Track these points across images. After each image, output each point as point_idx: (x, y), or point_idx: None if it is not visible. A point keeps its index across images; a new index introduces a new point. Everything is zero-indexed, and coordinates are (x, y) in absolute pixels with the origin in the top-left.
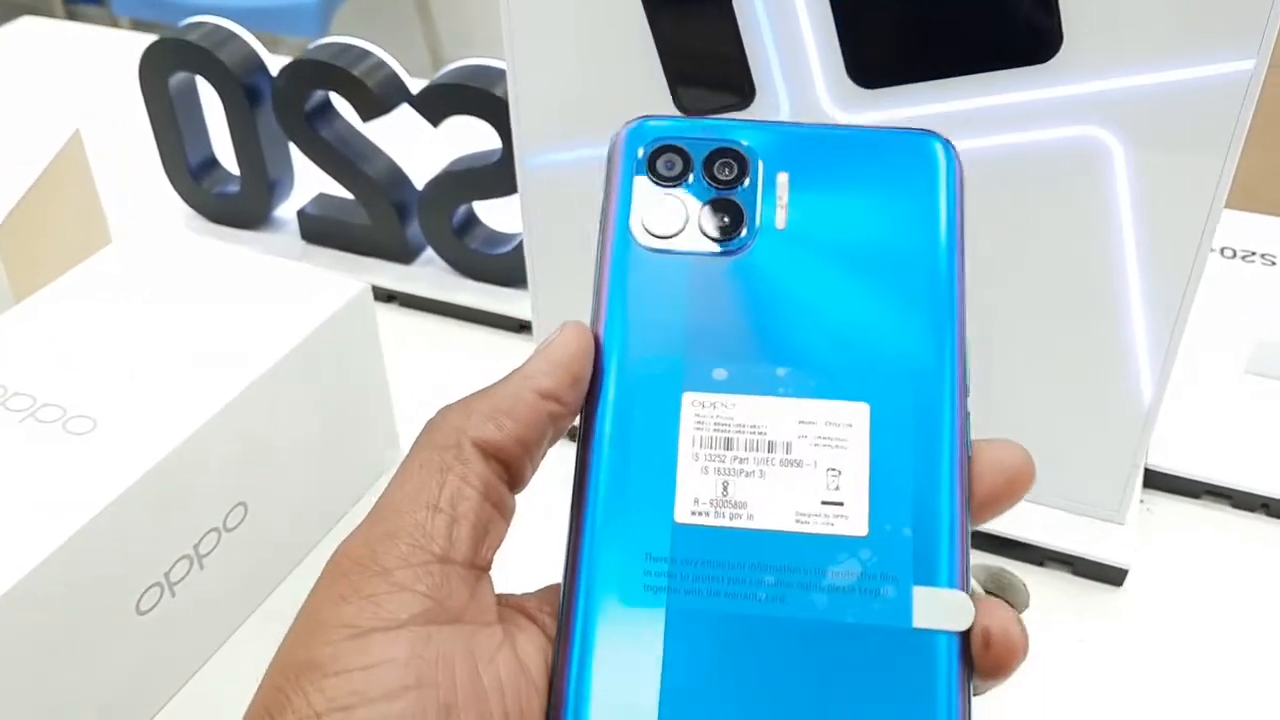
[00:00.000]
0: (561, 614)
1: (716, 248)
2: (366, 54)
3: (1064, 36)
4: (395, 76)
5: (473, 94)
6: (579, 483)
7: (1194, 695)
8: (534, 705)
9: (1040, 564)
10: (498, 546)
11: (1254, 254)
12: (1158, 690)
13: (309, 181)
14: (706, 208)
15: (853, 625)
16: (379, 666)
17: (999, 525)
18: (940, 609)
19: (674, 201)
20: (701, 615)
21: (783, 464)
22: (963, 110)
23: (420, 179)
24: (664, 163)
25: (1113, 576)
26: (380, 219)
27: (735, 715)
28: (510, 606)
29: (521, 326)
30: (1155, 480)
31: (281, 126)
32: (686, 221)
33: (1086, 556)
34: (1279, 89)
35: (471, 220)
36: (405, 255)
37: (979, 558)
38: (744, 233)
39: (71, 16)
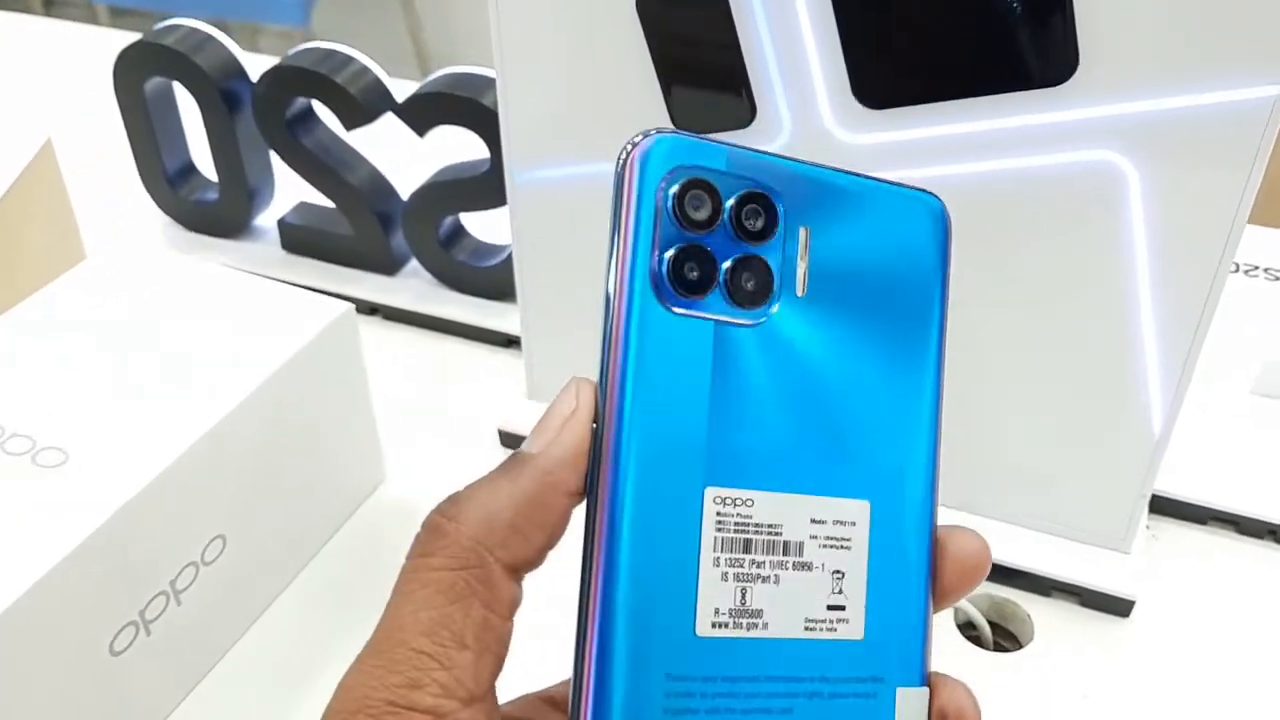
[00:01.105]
0: None
1: (742, 315)
2: (349, 60)
3: (1080, 58)
4: (379, 84)
5: (460, 103)
6: (591, 585)
7: None
8: None
9: (1046, 594)
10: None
11: (1258, 269)
12: None
13: (290, 189)
14: (735, 265)
15: None
16: None
17: (1004, 555)
18: (913, 706)
19: (703, 254)
20: None
21: (795, 567)
22: (974, 133)
23: (406, 188)
24: (691, 201)
25: (1119, 608)
26: (364, 229)
27: None
28: None
29: (510, 341)
30: (1160, 505)
31: (262, 134)
32: (714, 281)
33: (1092, 587)
34: None
35: (459, 231)
36: (389, 267)
37: (984, 588)
38: (769, 299)
39: (49, 3)
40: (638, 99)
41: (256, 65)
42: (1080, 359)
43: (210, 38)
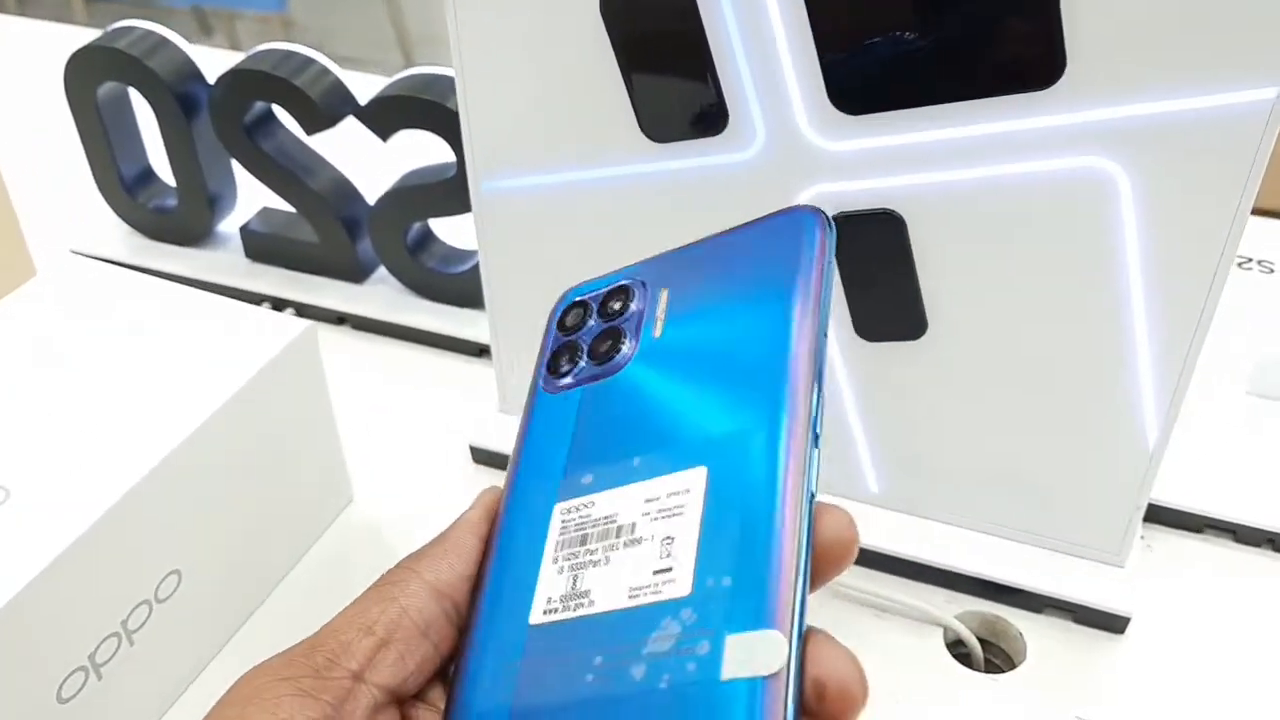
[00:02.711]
0: None
1: (603, 370)
2: (310, 62)
3: (1067, 61)
4: (340, 86)
5: (423, 106)
6: (473, 607)
7: None
8: None
9: (1039, 611)
10: (425, 681)
11: (1250, 260)
12: None
13: (255, 195)
14: (595, 340)
15: (670, 690)
16: None
17: (995, 571)
18: (751, 654)
19: (573, 346)
20: (537, 712)
21: (626, 545)
22: (957, 139)
23: (374, 192)
24: (571, 317)
25: (1114, 625)
26: (328, 236)
27: None
28: None
29: (483, 351)
30: (1155, 514)
31: (220, 139)
32: (579, 357)
33: (1085, 604)
34: None
35: (427, 237)
36: (356, 274)
37: (976, 604)
38: (624, 350)
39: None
40: (603, 105)
41: (215, 67)
42: (1072, 369)
43: (165, 40)
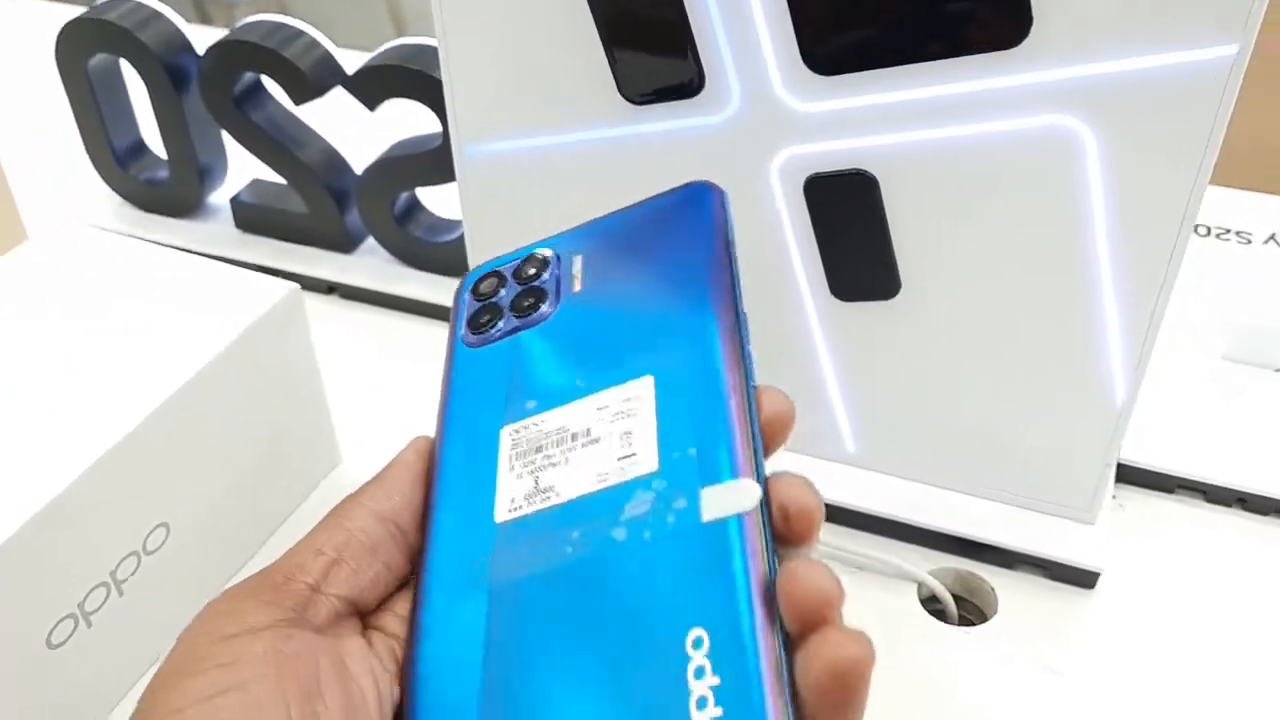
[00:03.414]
0: (408, 629)
1: (526, 322)
2: (299, 34)
3: (1034, 20)
4: (329, 57)
5: (410, 75)
6: (425, 525)
7: (1167, 702)
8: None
9: (1012, 567)
10: (383, 596)
11: (1229, 231)
12: (1129, 701)
13: (246, 166)
14: (514, 298)
15: (654, 540)
16: (238, 662)
17: (967, 528)
18: (727, 499)
19: (492, 307)
20: (519, 588)
21: (584, 445)
22: (927, 99)
23: (363, 163)
24: (486, 285)
25: (1084, 580)
26: (317, 206)
27: (558, 673)
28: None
29: None
30: (1128, 475)
31: (209, 110)
32: (502, 316)
33: (1056, 559)
34: (1259, 57)
35: (414, 207)
36: (345, 244)
37: (950, 561)
38: (547, 303)
39: None
40: (583, 69)
41: (205, 40)
42: (1042, 329)
43: (156, 12)
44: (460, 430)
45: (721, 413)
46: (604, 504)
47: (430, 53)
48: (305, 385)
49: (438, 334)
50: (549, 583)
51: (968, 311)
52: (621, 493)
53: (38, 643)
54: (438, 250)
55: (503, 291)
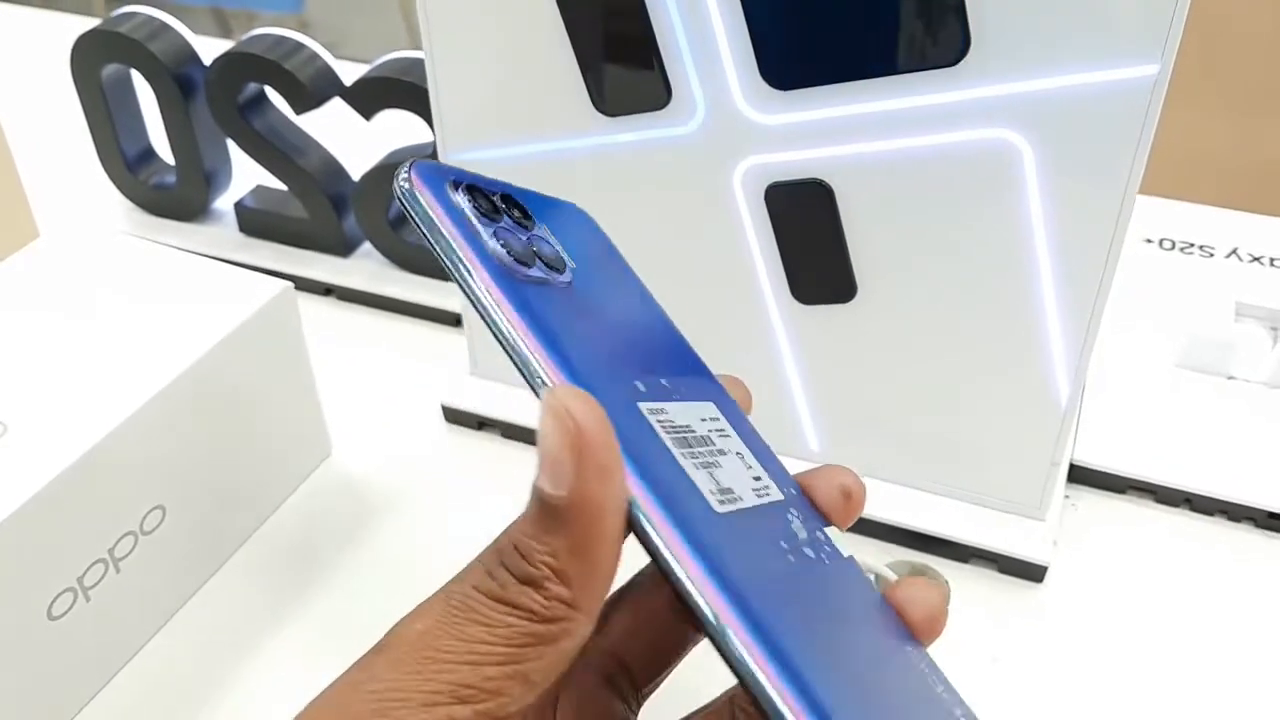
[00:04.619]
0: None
1: (552, 278)
2: (300, 47)
3: (971, 40)
4: (328, 70)
5: (403, 87)
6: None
7: (1110, 690)
8: None
9: (965, 561)
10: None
11: (1192, 245)
12: (1072, 689)
13: (250, 173)
14: (529, 240)
15: (832, 564)
16: None
17: (921, 522)
18: (842, 538)
19: (516, 236)
20: (777, 592)
21: (720, 453)
22: (878, 112)
23: (360, 171)
24: (484, 203)
25: (1033, 573)
26: (317, 212)
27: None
28: None
29: (456, 320)
30: (1081, 475)
31: (215, 119)
32: (524, 255)
33: (1004, 553)
34: (1210, 71)
35: None
36: (343, 248)
37: (903, 554)
38: (563, 272)
39: None
40: (560, 83)
41: (211, 52)
42: (989, 332)
43: (166, 25)
44: (605, 398)
45: (773, 454)
46: (778, 522)
47: (422, 66)
48: (298, 378)
49: (426, 333)
50: (795, 584)
51: (920, 314)
52: (779, 514)
53: (39, 614)
54: (428, 254)
55: (504, 221)
